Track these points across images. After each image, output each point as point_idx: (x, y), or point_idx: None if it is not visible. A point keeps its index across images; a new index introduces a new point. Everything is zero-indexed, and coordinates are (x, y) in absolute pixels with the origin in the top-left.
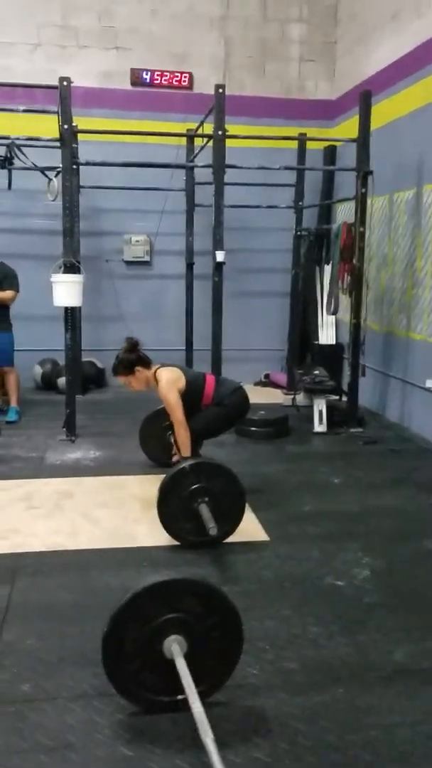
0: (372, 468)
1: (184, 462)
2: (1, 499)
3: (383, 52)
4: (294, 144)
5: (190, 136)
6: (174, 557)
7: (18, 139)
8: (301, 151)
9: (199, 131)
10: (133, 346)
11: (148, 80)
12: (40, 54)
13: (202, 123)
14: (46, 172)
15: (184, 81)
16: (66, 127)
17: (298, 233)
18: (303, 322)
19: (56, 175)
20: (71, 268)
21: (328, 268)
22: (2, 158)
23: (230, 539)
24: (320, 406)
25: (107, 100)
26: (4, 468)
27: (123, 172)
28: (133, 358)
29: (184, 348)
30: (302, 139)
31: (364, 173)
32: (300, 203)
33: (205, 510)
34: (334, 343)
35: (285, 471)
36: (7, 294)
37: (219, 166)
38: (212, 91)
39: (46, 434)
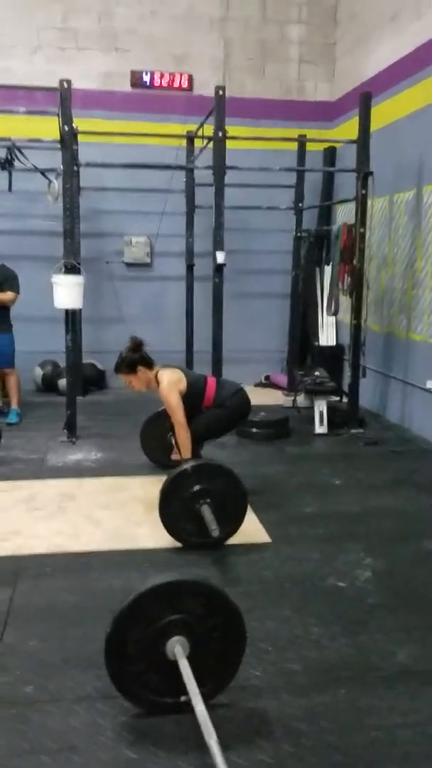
0: (373, 469)
1: (186, 463)
2: (2, 500)
3: (383, 53)
4: (294, 145)
5: (190, 138)
6: (176, 558)
7: (18, 140)
8: (301, 153)
9: (199, 133)
10: (137, 345)
11: (148, 82)
12: (41, 56)
13: (202, 124)
14: (47, 174)
15: (184, 83)
16: (66, 128)
17: (299, 234)
18: (303, 323)
19: (57, 177)
20: (72, 270)
21: (328, 270)
22: (3, 160)
23: (231, 540)
24: (321, 407)
25: (107, 101)
26: (5, 470)
27: (123, 174)
28: (136, 358)
29: (184, 350)
30: (302, 141)
31: (364, 174)
32: (300, 204)
33: (207, 511)
34: (334, 344)
35: (286, 472)
36: (8, 295)
37: (219, 167)
38: (212, 93)
39: (47, 436)
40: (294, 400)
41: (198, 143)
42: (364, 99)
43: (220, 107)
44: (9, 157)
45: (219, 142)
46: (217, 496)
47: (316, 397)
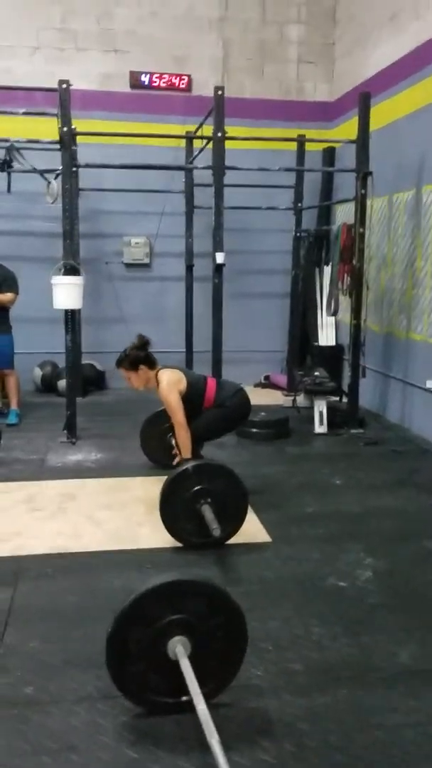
0: (373, 469)
1: (187, 463)
2: (3, 501)
3: (382, 53)
4: (293, 146)
5: (190, 138)
6: (176, 558)
7: (17, 141)
8: (301, 153)
9: (199, 133)
10: (144, 344)
11: (147, 83)
12: (40, 57)
13: (201, 125)
14: (46, 175)
15: (183, 83)
16: (65, 129)
17: (298, 234)
18: (303, 323)
19: (56, 178)
20: (71, 271)
21: (327, 270)
22: (2, 161)
23: (232, 540)
24: (321, 407)
25: (107, 102)
26: (5, 470)
27: (122, 175)
28: (141, 356)
29: (184, 350)
30: (301, 141)
31: (363, 174)
32: (299, 204)
33: (208, 511)
34: (334, 344)
35: (286, 472)
36: (7, 296)
37: (218, 167)
38: (211, 93)
39: (47, 436)
40: (294, 400)
41: (197, 144)
42: (363, 99)
43: (219, 107)
44: (8, 158)
45: (218, 142)
46: (218, 496)
47: (316, 397)
